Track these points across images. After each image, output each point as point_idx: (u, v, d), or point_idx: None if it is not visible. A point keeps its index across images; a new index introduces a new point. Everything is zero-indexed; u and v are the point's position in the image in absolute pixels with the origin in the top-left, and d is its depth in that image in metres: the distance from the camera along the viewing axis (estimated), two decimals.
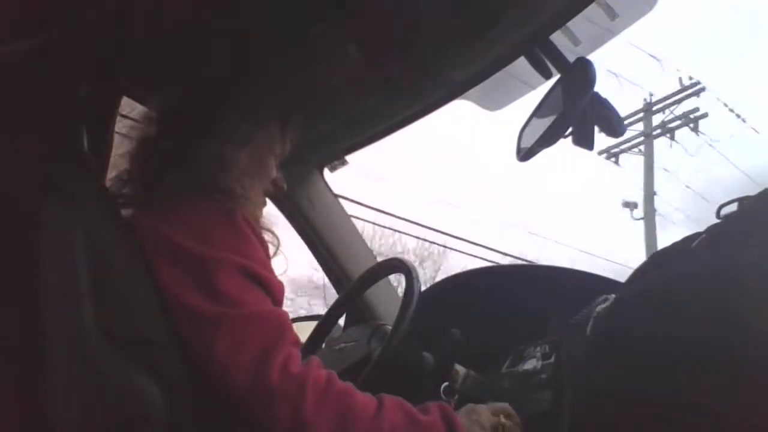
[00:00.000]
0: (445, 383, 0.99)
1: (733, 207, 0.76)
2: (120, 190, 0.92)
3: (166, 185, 0.87)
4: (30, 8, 0.69)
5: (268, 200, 1.04)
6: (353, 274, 1.48)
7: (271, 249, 0.93)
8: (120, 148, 0.95)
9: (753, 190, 0.78)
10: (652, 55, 10.10)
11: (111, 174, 0.94)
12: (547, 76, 1.04)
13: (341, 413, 0.74)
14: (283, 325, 0.78)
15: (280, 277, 0.86)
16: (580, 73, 0.92)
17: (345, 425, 0.74)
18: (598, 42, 1.13)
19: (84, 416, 0.65)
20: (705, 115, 9.73)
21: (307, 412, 0.72)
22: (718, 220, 0.78)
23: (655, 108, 10.13)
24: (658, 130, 10.03)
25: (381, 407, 0.76)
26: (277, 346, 0.75)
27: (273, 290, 0.83)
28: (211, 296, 0.76)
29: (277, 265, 0.89)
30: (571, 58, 0.97)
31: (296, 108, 1.03)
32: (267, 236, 0.93)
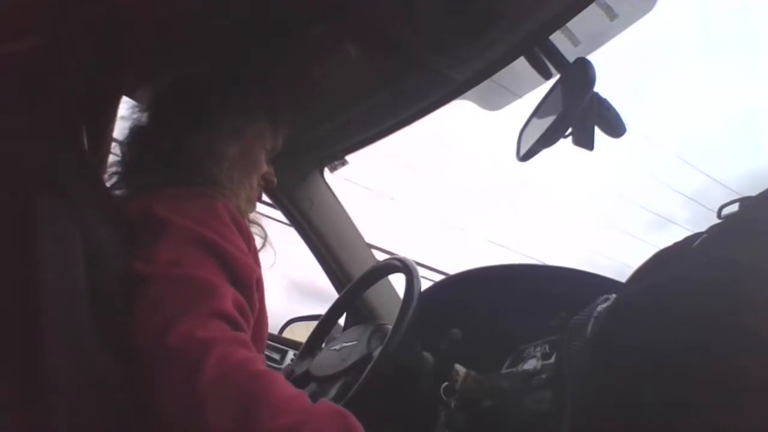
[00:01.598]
0: (445, 383, 0.99)
1: (734, 207, 0.76)
2: (114, 181, 0.92)
3: (158, 175, 0.87)
4: (30, 8, 0.69)
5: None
6: (353, 274, 1.48)
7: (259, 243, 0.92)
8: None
9: None
10: None
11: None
12: (547, 76, 1.04)
13: (245, 401, 0.60)
14: (211, 292, 0.68)
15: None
16: (580, 73, 0.92)
17: (245, 418, 0.59)
18: (598, 42, 1.13)
19: (83, 416, 0.65)
20: None
21: (201, 383, 0.59)
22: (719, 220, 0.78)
23: None
24: None
25: (308, 415, 0.61)
26: (192, 310, 0.65)
27: (235, 267, 0.75)
28: (147, 258, 0.70)
29: None
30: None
31: (288, 104, 1.03)
32: (255, 230, 0.93)
